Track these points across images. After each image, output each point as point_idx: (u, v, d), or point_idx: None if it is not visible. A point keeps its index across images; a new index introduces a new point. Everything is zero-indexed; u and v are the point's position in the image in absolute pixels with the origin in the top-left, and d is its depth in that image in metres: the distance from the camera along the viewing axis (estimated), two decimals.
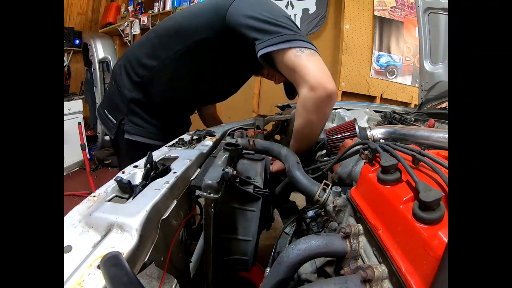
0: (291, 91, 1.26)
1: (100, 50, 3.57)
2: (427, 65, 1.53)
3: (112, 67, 3.59)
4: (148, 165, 0.58)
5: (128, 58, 1.12)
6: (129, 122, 1.10)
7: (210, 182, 0.52)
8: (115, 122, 1.12)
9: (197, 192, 0.56)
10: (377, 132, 0.93)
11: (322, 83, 0.80)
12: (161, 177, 0.56)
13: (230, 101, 1.39)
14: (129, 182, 0.54)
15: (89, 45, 3.57)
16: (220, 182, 0.54)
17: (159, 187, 0.51)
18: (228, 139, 0.94)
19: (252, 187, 0.67)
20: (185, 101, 1.17)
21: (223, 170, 0.57)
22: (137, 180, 0.58)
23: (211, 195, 0.53)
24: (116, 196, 0.52)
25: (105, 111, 1.16)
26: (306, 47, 0.83)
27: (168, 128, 1.16)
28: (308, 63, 0.82)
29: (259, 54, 0.85)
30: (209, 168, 0.59)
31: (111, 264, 0.33)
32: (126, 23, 3.60)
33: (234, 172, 0.60)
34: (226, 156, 0.67)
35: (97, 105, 3.55)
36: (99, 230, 0.40)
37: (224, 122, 1.38)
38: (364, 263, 0.47)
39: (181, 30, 1.00)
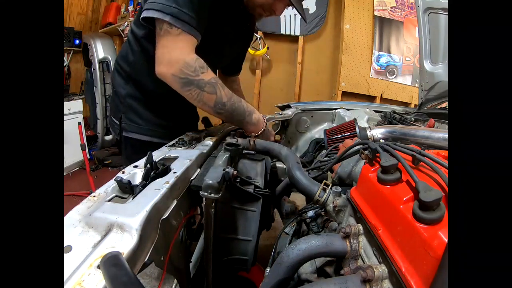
0: None
1: (100, 50, 3.56)
2: (427, 65, 1.53)
3: (112, 67, 3.60)
4: (148, 165, 0.58)
5: (117, 59, 1.17)
6: (126, 120, 1.11)
7: (210, 182, 0.52)
8: (117, 122, 1.14)
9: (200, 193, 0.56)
10: (377, 132, 0.93)
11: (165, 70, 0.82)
12: (161, 177, 0.56)
13: None
14: (129, 182, 0.54)
15: (89, 45, 3.56)
16: (221, 182, 0.54)
17: (159, 187, 0.51)
18: (229, 139, 0.94)
19: (252, 187, 0.67)
20: None
21: (224, 170, 0.57)
22: (137, 180, 0.58)
23: (212, 195, 0.53)
24: (116, 196, 0.53)
25: (111, 116, 1.20)
26: (174, 26, 0.78)
27: (166, 122, 1.16)
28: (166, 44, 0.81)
29: (142, 15, 0.82)
30: (209, 168, 0.59)
31: (111, 264, 0.33)
32: (126, 23, 3.59)
33: (235, 172, 0.60)
34: (226, 156, 0.67)
35: (97, 105, 3.58)
36: (99, 230, 0.40)
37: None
38: (364, 263, 0.47)
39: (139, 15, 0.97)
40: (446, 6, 1.33)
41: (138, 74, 1.08)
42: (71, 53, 3.74)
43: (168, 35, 0.80)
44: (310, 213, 0.79)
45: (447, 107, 1.52)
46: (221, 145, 0.87)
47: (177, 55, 0.81)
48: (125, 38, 3.60)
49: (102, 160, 3.52)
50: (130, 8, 3.68)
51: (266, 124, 1.00)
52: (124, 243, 0.39)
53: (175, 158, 0.68)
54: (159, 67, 0.83)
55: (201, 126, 1.35)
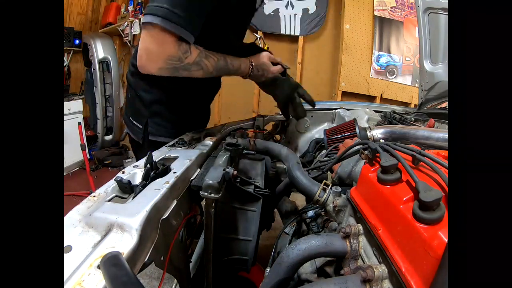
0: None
1: (100, 50, 3.56)
2: (427, 65, 1.53)
3: (112, 67, 3.60)
4: (148, 165, 0.58)
5: (132, 62, 1.13)
6: (152, 124, 1.15)
7: (211, 182, 0.52)
8: (140, 126, 1.16)
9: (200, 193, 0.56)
10: (377, 132, 0.93)
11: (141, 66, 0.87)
12: (161, 177, 0.56)
13: (230, 101, 1.40)
14: (129, 182, 0.54)
15: (89, 45, 3.56)
16: (221, 182, 0.54)
17: (159, 187, 0.51)
18: (229, 139, 0.94)
19: (252, 187, 0.68)
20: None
21: (224, 170, 0.57)
22: (137, 180, 0.58)
23: (212, 195, 0.53)
24: (116, 196, 0.53)
25: (130, 118, 1.21)
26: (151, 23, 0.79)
27: (188, 123, 1.18)
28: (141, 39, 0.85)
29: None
30: (209, 168, 0.59)
31: (111, 264, 0.33)
32: (126, 23, 3.59)
33: (235, 172, 0.60)
34: (227, 156, 0.67)
35: (97, 105, 3.58)
36: (99, 230, 0.40)
37: (224, 122, 1.38)
38: (364, 263, 0.47)
39: None
40: (446, 6, 1.33)
41: (163, 78, 1.04)
42: (71, 53, 3.74)
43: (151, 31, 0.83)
44: (310, 213, 0.79)
45: (447, 107, 1.52)
46: (221, 145, 0.87)
47: (159, 50, 0.84)
48: (125, 38, 3.63)
49: (102, 160, 3.52)
50: (130, 8, 3.68)
51: (252, 65, 1.05)
52: (124, 243, 0.39)
53: (175, 158, 0.68)
54: (142, 62, 0.85)
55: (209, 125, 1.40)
